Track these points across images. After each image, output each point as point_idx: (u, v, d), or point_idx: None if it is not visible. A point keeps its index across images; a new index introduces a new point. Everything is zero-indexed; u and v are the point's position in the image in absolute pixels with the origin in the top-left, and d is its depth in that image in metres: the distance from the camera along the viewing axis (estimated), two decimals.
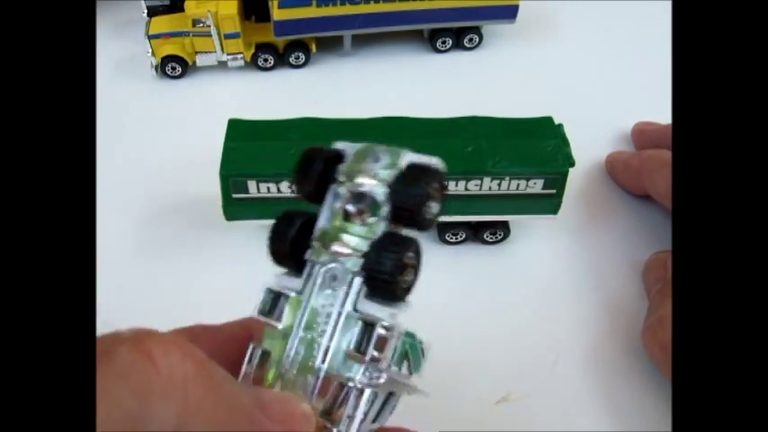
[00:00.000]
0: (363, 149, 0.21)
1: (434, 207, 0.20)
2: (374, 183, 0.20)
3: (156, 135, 0.52)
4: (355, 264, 0.20)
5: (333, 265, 0.20)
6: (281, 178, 0.39)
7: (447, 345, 0.39)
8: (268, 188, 0.39)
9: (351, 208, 0.20)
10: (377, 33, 0.57)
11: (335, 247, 0.20)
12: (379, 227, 0.20)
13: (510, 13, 0.57)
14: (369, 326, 0.19)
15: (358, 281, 0.20)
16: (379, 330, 0.19)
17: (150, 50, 0.55)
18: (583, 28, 0.62)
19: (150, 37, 0.55)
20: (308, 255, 0.21)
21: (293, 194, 0.39)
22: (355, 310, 0.20)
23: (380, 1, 0.54)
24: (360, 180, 0.20)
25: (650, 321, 0.37)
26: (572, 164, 0.40)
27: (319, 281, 0.20)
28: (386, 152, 0.21)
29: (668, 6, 0.60)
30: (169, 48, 0.55)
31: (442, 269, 0.43)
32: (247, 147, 0.40)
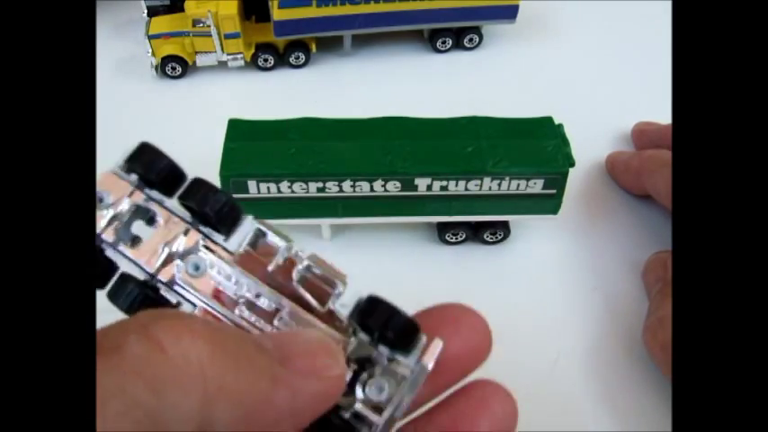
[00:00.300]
0: None
1: None
2: None
3: (156, 135, 0.51)
4: None
5: None
6: (281, 178, 0.39)
7: None
8: (268, 188, 0.39)
9: None
10: (377, 33, 0.57)
11: None
12: None
13: (510, 13, 0.57)
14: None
15: None
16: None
17: (150, 50, 0.55)
18: (583, 28, 0.62)
19: (150, 37, 0.55)
20: None
21: (293, 194, 0.39)
22: None
23: (380, 1, 0.54)
24: None
25: (650, 321, 0.37)
26: (572, 164, 0.40)
27: None
28: None
29: (668, 6, 0.60)
30: (169, 48, 0.55)
31: (442, 269, 0.43)
32: (247, 147, 0.40)
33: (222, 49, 0.55)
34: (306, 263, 0.19)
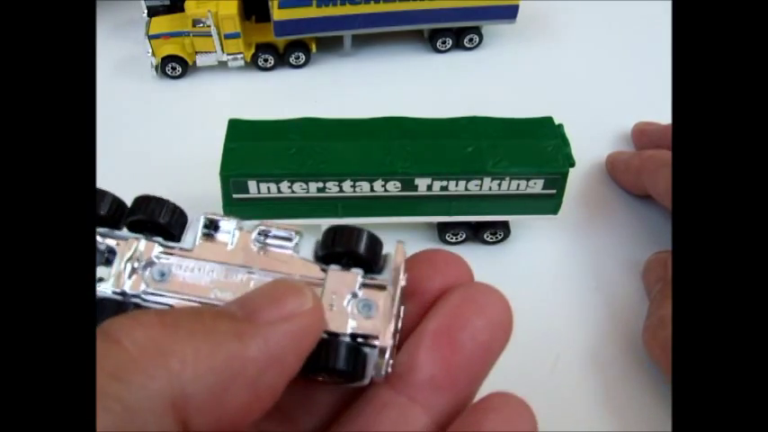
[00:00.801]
0: None
1: None
2: None
3: (156, 135, 0.52)
4: None
5: None
6: (281, 178, 0.39)
7: None
8: (268, 188, 0.39)
9: None
10: (377, 33, 0.57)
11: None
12: None
13: (510, 13, 0.57)
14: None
15: None
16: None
17: (150, 50, 0.55)
18: (583, 28, 0.62)
19: (150, 37, 0.55)
20: None
21: (293, 194, 0.39)
22: None
23: (380, 1, 0.54)
24: None
25: (650, 321, 0.37)
26: (572, 164, 0.40)
27: None
28: None
29: (668, 6, 0.60)
30: (169, 48, 0.55)
31: None
32: (247, 147, 0.40)
33: (222, 49, 0.55)
34: (257, 230, 0.20)
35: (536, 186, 0.40)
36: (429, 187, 0.40)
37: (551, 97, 0.52)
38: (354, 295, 0.19)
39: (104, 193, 0.20)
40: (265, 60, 0.57)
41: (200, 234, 0.20)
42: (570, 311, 0.41)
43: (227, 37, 0.54)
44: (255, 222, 0.20)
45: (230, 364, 0.16)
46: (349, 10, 0.54)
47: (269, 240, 0.20)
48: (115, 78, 0.56)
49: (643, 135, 0.50)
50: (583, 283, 0.42)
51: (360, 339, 0.19)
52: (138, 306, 0.19)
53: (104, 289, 0.19)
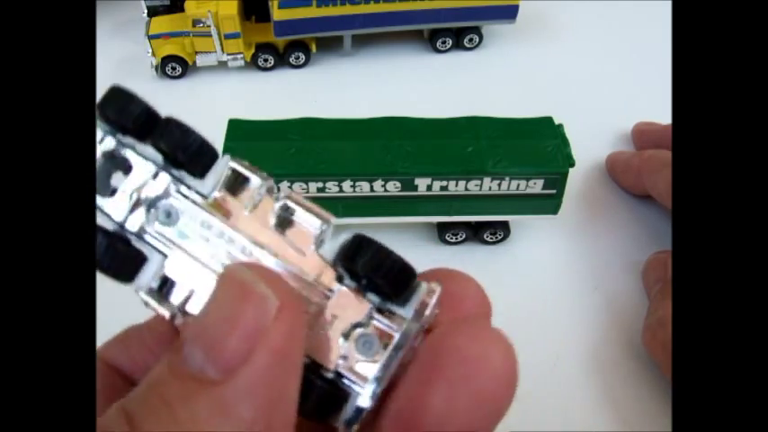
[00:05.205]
0: None
1: None
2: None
3: None
4: None
5: None
6: (280, 178, 0.39)
7: None
8: None
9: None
10: (377, 33, 0.57)
11: None
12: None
13: (510, 13, 0.57)
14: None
15: None
16: None
17: (150, 50, 0.55)
18: (583, 28, 0.62)
19: (150, 37, 0.55)
20: None
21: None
22: None
23: (380, 1, 0.54)
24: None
25: (650, 321, 0.37)
26: (572, 164, 0.40)
27: None
28: None
29: (668, 6, 0.60)
30: (169, 48, 0.55)
31: None
32: (247, 147, 0.40)
33: (222, 49, 0.55)
34: (282, 202, 0.17)
35: (536, 186, 0.40)
36: (429, 187, 0.40)
37: (551, 97, 0.52)
38: (359, 325, 0.16)
39: (132, 98, 0.18)
40: (265, 60, 0.57)
41: (221, 183, 0.17)
42: (570, 311, 0.41)
43: (227, 37, 0.55)
44: (285, 191, 0.17)
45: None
46: (349, 10, 0.54)
47: (292, 218, 0.17)
48: (115, 78, 0.56)
49: (643, 135, 0.50)
50: (583, 283, 0.42)
51: (344, 381, 0.16)
52: (128, 245, 0.17)
53: (108, 213, 0.17)
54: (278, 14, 0.53)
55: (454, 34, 0.58)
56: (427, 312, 0.16)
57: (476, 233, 0.44)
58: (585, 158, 0.48)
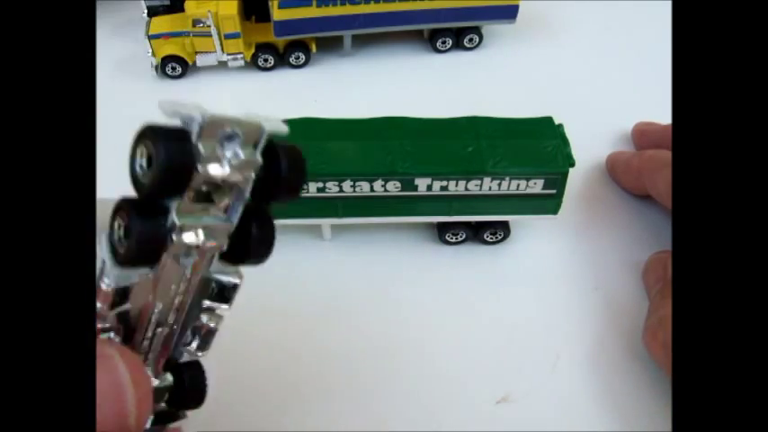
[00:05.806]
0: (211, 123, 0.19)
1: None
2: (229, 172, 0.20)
3: None
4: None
5: None
6: None
7: (447, 345, 0.39)
8: None
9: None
10: (377, 33, 0.57)
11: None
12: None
13: (510, 13, 0.57)
14: None
15: None
16: None
17: (150, 50, 0.55)
18: (583, 28, 0.62)
19: (150, 37, 0.55)
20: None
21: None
22: None
23: (380, 1, 0.54)
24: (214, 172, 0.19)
25: (651, 321, 0.37)
26: (572, 164, 0.40)
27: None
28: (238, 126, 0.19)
29: (668, 6, 0.60)
30: (169, 48, 0.55)
31: (442, 269, 0.43)
32: None
33: (222, 49, 0.55)
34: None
35: (536, 186, 0.40)
36: (429, 187, 0.40)
37: (551, 97, 0.52)
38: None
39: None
40: (265, 60, 0.57)
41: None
42: (570, 311, 0.41)
43: (227, 37, 0.54)
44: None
45: None
46: (349, 10, 0.54)
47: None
48: (115, 78, 0.56)
49: (643, 135, 0.50)
50: (583, 284, 0.42)
51: None
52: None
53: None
54: (278, 14, 0.53)
55: (454, 34, 0.58)
56: None
57: (476, 233, 0.44)
58: (585, 158, 0.48)
